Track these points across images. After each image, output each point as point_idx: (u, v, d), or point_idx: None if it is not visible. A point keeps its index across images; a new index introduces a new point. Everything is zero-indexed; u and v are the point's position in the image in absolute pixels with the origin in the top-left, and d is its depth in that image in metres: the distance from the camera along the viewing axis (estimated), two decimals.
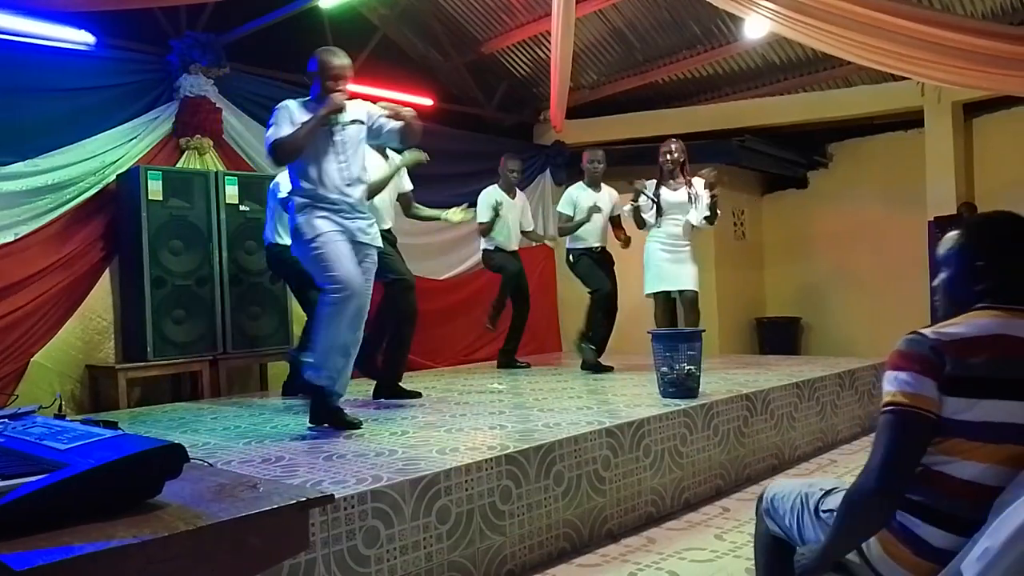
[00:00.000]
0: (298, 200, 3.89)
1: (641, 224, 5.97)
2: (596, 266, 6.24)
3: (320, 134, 3.83)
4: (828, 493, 1.96)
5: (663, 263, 5.85)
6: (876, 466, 1.69)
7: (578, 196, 6.25)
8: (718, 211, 5.82)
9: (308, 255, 3.84)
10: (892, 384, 1.73)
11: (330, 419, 3.96)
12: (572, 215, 6.19)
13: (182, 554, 1.28)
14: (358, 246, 3.92)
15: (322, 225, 3.81)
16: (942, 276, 1.89)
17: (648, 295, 5.99)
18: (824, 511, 1.92)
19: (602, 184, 6.35)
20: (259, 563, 1.47)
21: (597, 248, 6.27)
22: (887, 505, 1.71)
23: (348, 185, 3.91)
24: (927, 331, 1.74)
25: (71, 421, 1.83)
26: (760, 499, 2.17)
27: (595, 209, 6.09)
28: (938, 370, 1.67)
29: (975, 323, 1.73)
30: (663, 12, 7.66)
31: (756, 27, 6.83)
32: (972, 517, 1.65)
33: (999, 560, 1.44)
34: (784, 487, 2.11)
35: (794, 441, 5.04)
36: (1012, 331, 1.71)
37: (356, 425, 3.93)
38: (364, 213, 4.01)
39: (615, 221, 6.34)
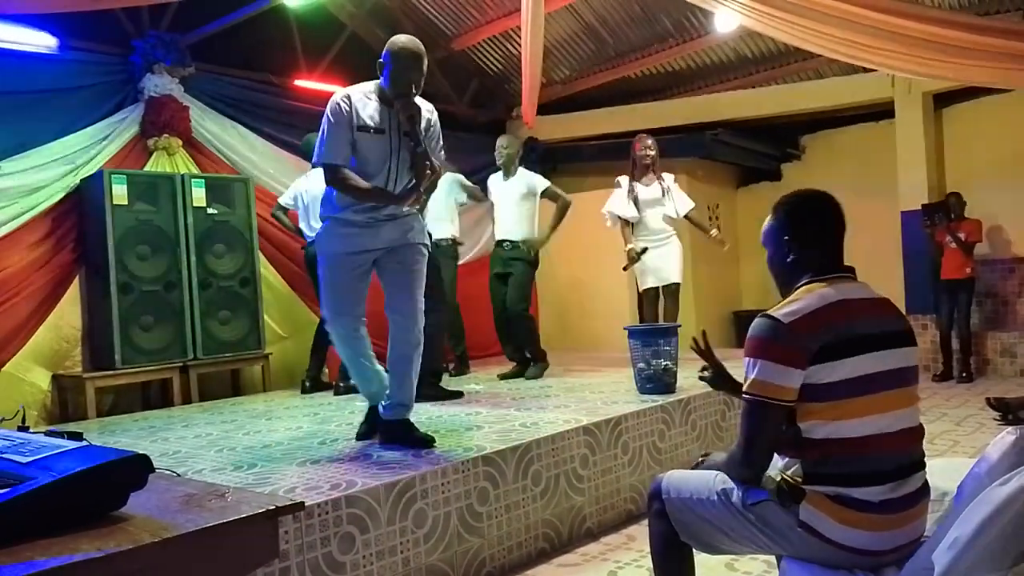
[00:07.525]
0: None
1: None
2: (492, 266, 5.86)
3: None
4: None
5: (649, 259, 5.87)
6: (741, 446, 1.91)
7: (489, 184, 5.96)
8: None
9: None
10: (753, 371, 1.85)
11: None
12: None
13: (148, 566, 1.27)
14: None
15: None
16: (767, 254, 2.11)
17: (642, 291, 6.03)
18: (750, 503, 1.93)
19: (520, 170, 5.80)
20: (229, 573, 1.45)
21: (503, 243, 5.78)
22: (755, 474, 1.93)
23: None
24: (777, 313, 1.87)
25: (34, 433, 1.79)
26: (653, 498, 2.11)
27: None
28: (797, 351, 1.81)
29: (813, 296, 1.89)
30: (634, 6, 7.66)
31: (726, 21, 6.86)
32: (886, 468, 1.81)
33: (968, 549, 1.50)
34: (683, 484, 2.07)
35: None
36: (846, 295, 1.91)
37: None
38: None
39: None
